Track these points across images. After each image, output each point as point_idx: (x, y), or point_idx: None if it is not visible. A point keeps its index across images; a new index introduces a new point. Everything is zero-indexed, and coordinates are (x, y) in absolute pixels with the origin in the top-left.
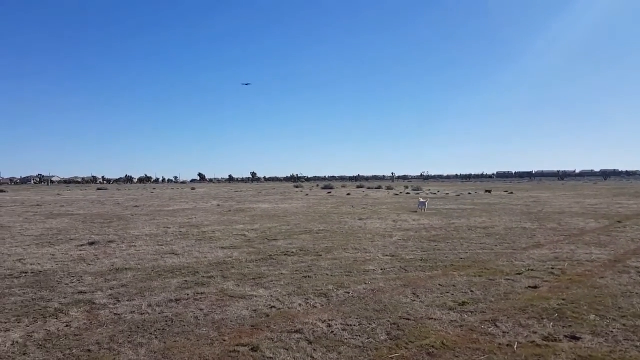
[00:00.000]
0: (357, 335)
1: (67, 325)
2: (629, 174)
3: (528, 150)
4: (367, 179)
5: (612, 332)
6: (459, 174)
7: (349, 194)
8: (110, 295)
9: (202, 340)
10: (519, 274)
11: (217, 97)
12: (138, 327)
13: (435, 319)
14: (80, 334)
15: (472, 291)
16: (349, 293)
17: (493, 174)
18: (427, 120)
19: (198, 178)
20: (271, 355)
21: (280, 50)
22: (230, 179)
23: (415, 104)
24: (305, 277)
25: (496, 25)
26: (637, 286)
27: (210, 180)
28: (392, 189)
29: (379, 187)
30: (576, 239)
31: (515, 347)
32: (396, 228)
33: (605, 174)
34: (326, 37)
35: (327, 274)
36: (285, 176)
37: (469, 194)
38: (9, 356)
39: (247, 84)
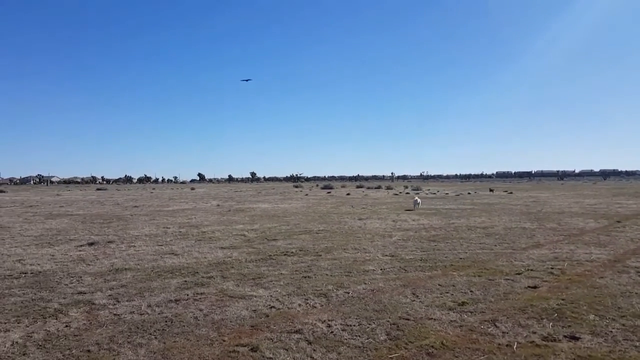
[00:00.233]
0: (356, 336)
1: (66, 326)
2: (628, 174)
3: (527, 150)
4: (366, 178)
5: (611, 332)
6: (458, 174)
7: (348, 194)
8: (109, 295)
9: (201, 340)
10: (519, 273)
11: (216, 97)
12: (137, 328)
13: (434, 319)
14: (80, 335)
15: (471, 291)
16: (348, 293)
17: (492, 174)
18: (426, 120)
19: (198, 178)
20: (271, 356)
21: (280, 50)
22: (230, 179)
23: (415, 103)
24: (305, 277)
25: (496, 26)
26: (636, 286)
27: (210, 180)
28: (391, 188)
29: (379, 187)
30: (575, 238)
31: (514, 347)
32: (396, 228)
33: (605, 174)
34: (326, 37)
35: (326, 274)
36: (284, 176)
37: (469, 193)
38: (8, 356)
39: (247, 80)
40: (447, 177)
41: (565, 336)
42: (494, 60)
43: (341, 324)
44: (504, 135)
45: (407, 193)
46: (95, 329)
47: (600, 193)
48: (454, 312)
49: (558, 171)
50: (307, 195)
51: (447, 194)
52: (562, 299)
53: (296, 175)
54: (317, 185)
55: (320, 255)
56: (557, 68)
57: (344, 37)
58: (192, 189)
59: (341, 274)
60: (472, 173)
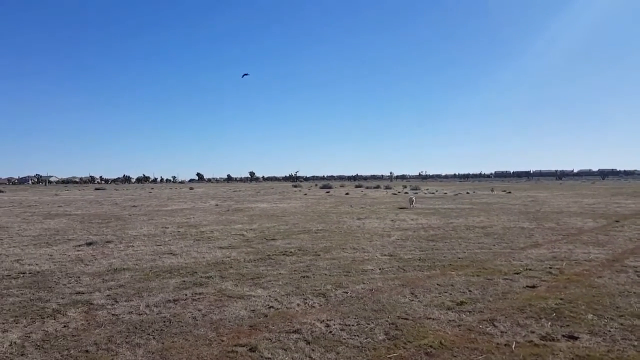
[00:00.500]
0: (355, 335)
1: (64, 326)
2: (627, 174)
3: (526, 150)
4: (365, 178)
5: (609, 331)
6: (457, 174)
7: (347, 194)
8: (107, 295)
9: (200, 340)
10: (517, 273)
11: (215, 97)
12: (136, 328)
13: (433, 319)
14: (78, 335)
15: (470, 291)
16: (347, 293)
17: (491, 174)
18: (426, 120)
19: (196, 178)
20: (269, 356)
21: (280, 50)
22: (229, 179)
23: (414, 103)
24: (304, 277)
25: (495, 25)
26: (634, 285)
27: (209, 180)
28: (390, 188)
29: (377, 187)
30: (574, 238)
31: (513, 346)
32: (394, 227)
33: (603, 174)
34: (326, 37)
35: (325, 274)
36: (283, 176)
37: (467, 193)
38: (6, 357)
39: (246, 75)
40: (446, 176)
41: (563, 336)
42: (494, 60)
43: (340, 324)
44: (503, 135)
45: (406, 193)
46: (94, 329)
47: (599, 193)
48: (452, 312)
49: (556, 171)
50: (306, 194)
51: (445, 193)
52: (561, 299)
53: (294, 174)
54: (316, 185)
55: (319, 255)
56: (556, 68)
57: (344, 37)
58: (191, 188)
59: (340, 273)
60: (471, 173)
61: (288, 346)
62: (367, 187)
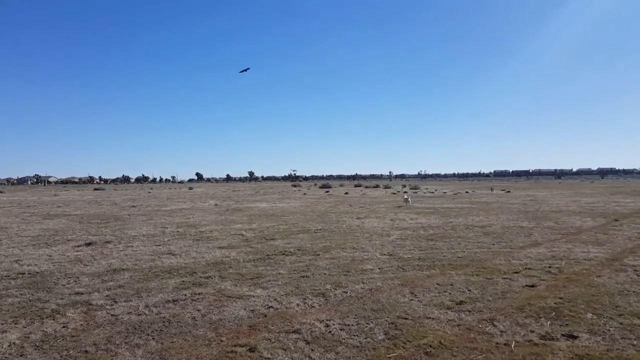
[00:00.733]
0: (354, 335)
1: (64, 326)
2: (626, 173)
3: (525, 149)
4: (364, 177)
5: (609, 330)
6: (456, 173)
7: (346, 193)
8: (107, 296)
9: (199, 340)
10: (516, 272)
11: (215, 97)
12: (135, 328)
13: (432, 318)
14: (77, 335)
15: (469, 290)
16: (346, 292)
17: (490, 173)
18: (425, 119)
19: (195, 177)
20: (269, 356)
21: (280, 50)
22: (228, 179)
23: (413, 103)
24: (303, 276)
25: (495, 25)
26: (634, 284)
27: (208, 180)
28: (389, 187)
29: (377, 186)
30: (573, 237)
31: (512, 346)
32: (394, 227)
33: (603, 173)
34: (325, 37)
35: (324, 274)
36: (283, 175)
37: (466, 192)
38: (6, 357)
39: (244, 70)
40: (445, 176)
41: (563, 335)
42: (493, 59)
43: (339, 324)
44: (502, 134)
45: (405, 192)
46: (93, 330)
47: (598, 191)
48: (452, 311)
49: (556, 170)
50: (305, 194)
51: (445, 192)
52: (560, 298)
53: (293, 173)
54: (316, 185)
55: (319, 255)
56: (555, 67)
57: (343, 37)
58: (190, 188)
59: (339, 273)
60: (470, 172)
61: (287, 346)
62: (367, 187)
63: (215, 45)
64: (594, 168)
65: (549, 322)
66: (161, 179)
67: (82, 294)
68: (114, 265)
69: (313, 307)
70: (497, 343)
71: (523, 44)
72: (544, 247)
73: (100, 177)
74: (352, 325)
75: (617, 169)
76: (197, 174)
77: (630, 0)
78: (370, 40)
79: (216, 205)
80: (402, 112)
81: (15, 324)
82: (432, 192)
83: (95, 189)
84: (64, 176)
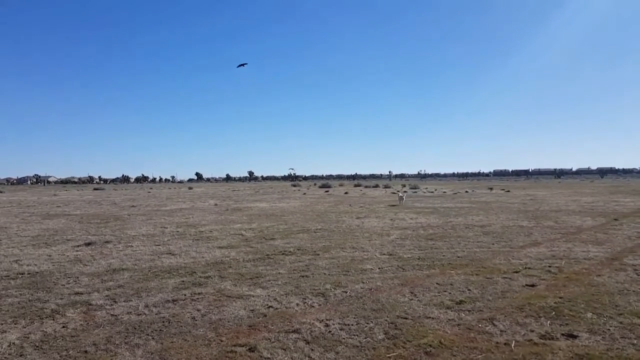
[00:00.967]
0: (354, 335)
1: (63, 326)
2: (625, 172)
3: (525, 148)
4: (364, 177)
5: (609, 330)
6: (455, 173)
7: (346, 193)
8: (106, 296)
9: (199, 340)
10: (516, 272)
11: (214, 97)
12: (135, 328)
13: (432, 318)
14: (77, 335)
15: (469, 290)
16: (346, 292)
17: (490, 172)
18: (424, 119)
19: (195, 177)
20: (268, 356)
21: (280, 50)
22: (228, 178)
23: (413, 102)
24: (303, 276)
25: (495, 25)
26: (633, 284)
27: (208, 180)
28: (389, 187)
29: (376, 186)
30: (573, 236)
31: (512, 345)
32: (393, 226)
33: (602, 172)
34: (325, 37)
35: (324, 273)
36: (282, 175)
37: (466, 192)
38: (5, 357)
39: (242, 65)
40: (445, 175)
41: (563, 334)
42: (492, 58)
43: (339, 323)
44: (502, 134)
45: (405, 191)
46: (93, 330)
47: (598, 191)
48: (452, 311)
49: (555, 169)
50: (305, 194)
51: (444, 192)
52: (560, 297)
53: (292, 173)
54: (315, 184)
55: (318, 255)
56: (555, 67)
57: (342, 37)
58: (190, 188)
59: (339, 273)
60: (470, 171)
61: (287, 346)
62: (366, 186)
63: (215, 45)
64: (594, 167)
65: (548, 322)
66: (161, 179)
67: (82, 294)
68: (114, 265)
69: (313, 306)
70: (497, 342)
71: (523, 44)
72: (543, 246)
73: (99, 177)
74: (352, 324)
75: (616, 168)
76: (196, 173)
77: (630, 0)
78: (370, 40)
79: (216, 205)
80: (402, 111)
81: (15, 324)
82: (432, 192)
83: (95, 189)
84: (63, 176)
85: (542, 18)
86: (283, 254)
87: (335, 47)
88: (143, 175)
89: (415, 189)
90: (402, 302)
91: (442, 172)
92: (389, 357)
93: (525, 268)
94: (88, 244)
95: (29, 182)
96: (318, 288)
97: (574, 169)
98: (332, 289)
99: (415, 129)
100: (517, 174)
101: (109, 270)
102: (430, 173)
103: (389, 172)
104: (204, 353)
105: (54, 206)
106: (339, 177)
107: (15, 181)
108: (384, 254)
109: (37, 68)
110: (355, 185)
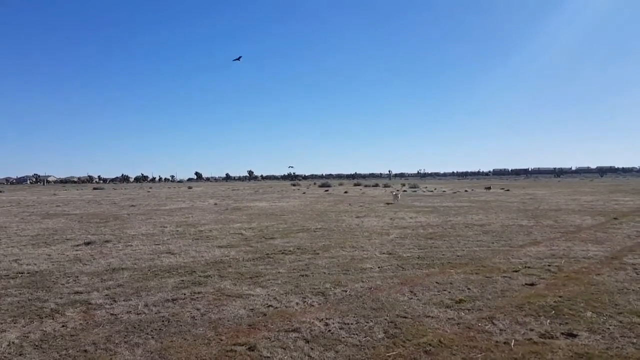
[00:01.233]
0: (354, 334)
1: (63, 326)
2: (625, 171)
3: (524, 148)
4: (364, 177)
5: (608, 329)
6: (455, 172)
7: (346, 192)
8: (106, 295)
9: (198, 339)
10: (516, 271)
11: (214, 97)
12: (134, 327)
13: (432, 317)
14: (77, 334)
15: (469, 289)
16: (346, 291)
17: (489, 171)
18: (424, 118)
19: (195, 177)
20: (268, 355)
21: (279, 50)
22: (227, 178)
23: (413, 102)
24: (303, 275)
25: (494, 25)
26: (633, 283)
27: (207, 179)
28: (389, 186)
29: (376, 185)
30: (572, 236)
31: (512, 344)
32: (393, 226)
33: (602, 171)
34: (325, 37)
35: (324, 273)
36: (282, 174)
37: (466, 191)
38: (5, 357)
39: (237, 59)
40: (444, 174)
41: (562, 333)
42: (492, 58)
43: (339, 323)
44: (502, 133)
45: (405, 191)
46: (92, 329)
47: (597, 190)
48: (451, 310)
49: (555, 168)
50: (304, 193)
51: (444, 191)
52: (560, 296)
53: (292, 172)
54: (315, 184)
55: (318, 254)
56: (554, 66)
57: (342, 37)
58: (190, 187)
59: (339, 272)
60: (469, 170)
61: (287, 345)
62: (366, 186)
63: (215, 45)
64: (593, 166)
65: (548, 321)
66: (160, 179)
67: (82, 293)
68: (113, 265)
69: (312, 306)
70: (497, 342)
71: (523, 44)
72: (543, 245)
73: (99, 176)
74: (352, 324)
75: (616, 167)
76: (196, 173)
77: (630, 0)
78: (370, 40)
79: (215, 204)
80: (402, 111)
81: (15, 323)
82: (432, 191)
83: (95, 189)
84: (63, 176)
85: (542, 18)
86: (283, 253)
87: (335, 47)
88: (143, 174)
89: (415, 188)
90: (402, 301)
91: (442, 172)
92: (388, 356)
93: (525, 267)
94: (87, 244)
95: (28, 181)
96: (318, 287)
97: (573, 168)
98: (332, 288)
99: (415, 128)
100: (517, 173)
101: (109, 269)
102: (430, 172)
103: (389, 171)
104: (203, 352)
105: (54, 206)
106: (339, 176)
107: (14, 181)
108: (384, 253)
109: (37, 68)
110: (355, 185)
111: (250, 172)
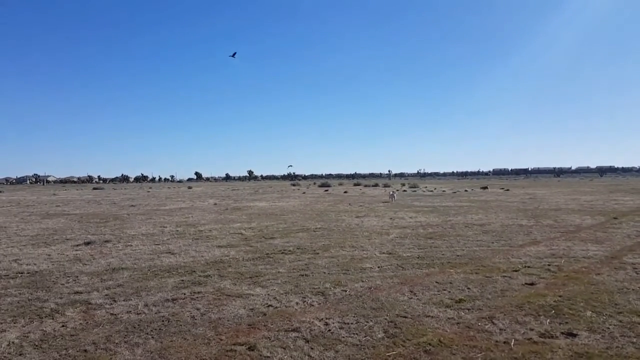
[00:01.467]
0: (354, 334)
1: (63, 326)
2: (624, 171)
3: (524, 147)
4: (364, 176)
5: (608, 328)
6: (455, 172)
7: (345, 192)
8: (106, 295)
9: (198, 339)
10: (516, 270)
11: (214, 97)
12: (134, 327)
13: (432, 317)
14: (77, 334)
15: (468, 288)
16: (346, 291)
17: (489, 171)
18: (424, 118)
19: (195, 177)
20: (268, 354)
21: (279, 50)
22: (227, 178)
23: (413, 102)
24: (302, 275)
25: (494, 24)
26: (633, 282)
27: (207, 179)
28: (388, 186)
29: (376, 185)
30: (572, 235)
31: (512, 344)
32: (393, 225)
33: (601, 171)
34: (325, 37)
35: (324, 272)
36: (282, 174)
37: (465, 191)
38: (5, 357)
39: (232, 55)
40: (444, 174)
41: (562, 333)
42: (492, 58)
43: (339, 322)
44: (501, 133)
45: (404, 191)
46: (92, 329)
47: (597, 190)
48: (451, 310)
49: (554, 168)
50: (304, 193)
51: (444, 191)
52: (560, 296)
53: (292, 172)
54: (315, 184)
55: (318, 254)
56: (554, 66)
57: (343, 37)
58: (189, 187)
59: (339, 272)
60: (469, 170)
61: (287, 345)
62: (366, 186)
63: (215, 45)
64: (593, 166)
65: (548, 320)
66: (160, 179)
67: (81, 293)
68: (113, 265)
69: (312, 305)
70: (497, 341)
71: (523, 44)
72: (543, 245)
73: (99, 176)
74: (352, 323)
75: (616, 167)
76: (196, 173)
77: (630, 0)
78: (370, 40)
79: (215, 204)
80: (402, 111)
81: (15, 323)
82: (431, 191)
83: (94, 189)
84: (62, 176)
85: (542, 18)
86: (283, 253)
87: (335, 47)
88: (142, 174)
89: (415, 188)
90: (402, 301)
91: (442, 171)
92: (388, 355)
93: (525, 267)
94: (87, 244)
95: (28, 181)
96: (317, 287)
97: (573, 168)
98: (332, 288)
99: (415, 128)
100: (517, 172)
101: (109, 269)
102: (429, 172)
103: (389, 171)
104: (203, 352)
105: (53, 206)
106: (339, 176)
107: (14, 181)
108: (384, 253)
109: (37, 68)
110: (355, 185)
111: (250, 172)
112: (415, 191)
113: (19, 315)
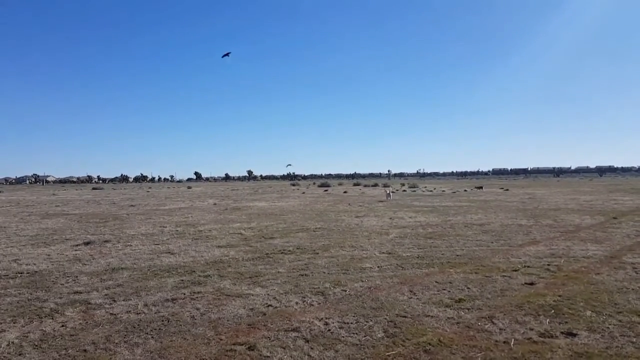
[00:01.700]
0: (354, 333)
1: (62, 326)
2: (624, 170)
3: (524, 147)
4: (363, 176)
5: (608, 328)
6: (454, 171)
7: (345, 192)
8: (106, 295)
9: (198, 339)
10: (515, 270)
11: (214, 97)
12: (134, 327)
13: (432, 316)
14: (76, 334)
15: (468, 288)
16: (345, 291)
17: (489, 171)
18: (424, 118)
19: (194, 177)
20: (268, 354)
21: (279, 50)
22: (227, 178)
23: (412, 102)
24: (302, 275)
25: (494, 24)
26: (632, 282)
27: (207, 179)
28: (388, 186)
29: (376, 185)
30: (572, 235)
31: (511, 343)
32: (392, 225)
33: (601, 170)
34: (324, 37)
35: (323, 272)
36: (282, 174)
37: (465, 190)
38: (4, 356)
39: (226, 54)
40: (444, 174)
41: (562, 333)
42: (493, 58)
43: (338, 322)
44: (501, 133)
45: (404, 190)
46: (92, 329)
47: (596, 189)
48: (451, 309)
49: (554, 168)
50: (304, 193)
51: (443, 191)
52: (559, 296)
53: (291, 172)
54: (314, 184)
55: (318, 253)
56: (554, 66)
57: (343, 37)
58: (189, 187)
59: (338, 271)
60: (469, 170)
61: (287, 344)
62: (365, 186)
63: (215, 45)
64: (593, 166)
65: (548, 320)
66: (160, 178)
67: (81, 293)
68: (113, 265)
69: (312, 305)
70: (497, 341)
71: (523, 44)
72: (542, 245)
73: (98, 176)
74: (351, 323)
75: (615, 167)
76: (195, 173)
77: (630, 1)
78: (370, 40)
79: (215, 204)
80: (402, 111)
81: (14, 323)
82: (431, 191)
83: (94, 189)
84: (62, 176)
85: (542, 18)
86: (282, 253)
87: (335, 47)
88: (142, 174)
89: (414, 187)
90: (402, 301)
91: (442, 171)
92: (388, 355)
93: (525, 266)
94: (87, 244)
95: (27, 181)
96: (317, 287)
97: (572, 168)
98: (332, 288)
99: (415, 128)
100: (516, 172)
101: (108, 269)
102: (429, 172)
103: (388, 171)
104: (203, 352)
105: (53, 205)
106: (338, 176)
107: (14, 181)
108: (383, 253)
109: (37, 68)
110: (355, 185)
111: (250, 172)
112: (414, 191)
113: (18, 315)
